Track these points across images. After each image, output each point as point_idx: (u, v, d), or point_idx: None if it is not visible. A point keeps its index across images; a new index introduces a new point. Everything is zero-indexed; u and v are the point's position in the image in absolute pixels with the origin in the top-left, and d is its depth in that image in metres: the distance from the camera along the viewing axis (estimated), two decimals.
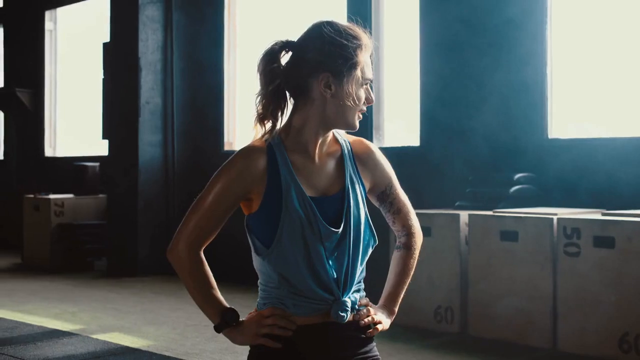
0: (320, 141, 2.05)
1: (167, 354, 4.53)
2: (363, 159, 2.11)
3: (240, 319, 2.03)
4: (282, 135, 2.05)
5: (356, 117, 2.04)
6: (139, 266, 7.78)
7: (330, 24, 2.02)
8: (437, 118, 6.32)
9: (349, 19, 6.77)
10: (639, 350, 4.26)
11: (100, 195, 8.65)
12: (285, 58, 2.04)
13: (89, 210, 8.62)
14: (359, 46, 2.00)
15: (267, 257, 1.99)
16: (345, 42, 1.99)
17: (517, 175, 5.52)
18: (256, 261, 2.05)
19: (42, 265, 8.34)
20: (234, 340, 2.03)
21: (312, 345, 2.00)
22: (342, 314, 2.00)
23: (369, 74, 2.03)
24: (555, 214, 4.71)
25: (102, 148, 8.72)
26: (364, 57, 2.01)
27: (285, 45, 2.03)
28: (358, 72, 2.00)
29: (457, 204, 5.55)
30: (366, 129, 6.54)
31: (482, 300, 4.94)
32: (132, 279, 7.58)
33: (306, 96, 2.02)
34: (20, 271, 8.29)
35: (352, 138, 2.14)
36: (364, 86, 2.02)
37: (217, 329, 2.03)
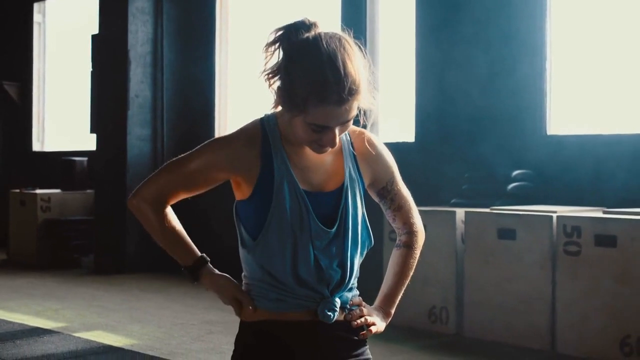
0: None
1: (151, 353, 4.37)
2: (363, 153, 1.97)
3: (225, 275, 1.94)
4: (279, 120, 1.91)
5: (308, 145, 1.82)
6: (126, 263, 7.62)
7: (324, 55, 1.74)
8: (433, 114, 6.18)
9: (344, 15, 6.50)
10: None
11: (88, 191, 8.47)
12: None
13: (76, 205, 8.44)
14: (322, 98, 1.73)
15: (252, 250, 1.87)
16: (309, 84, 1.73)
17: (515, 172, 5.38)
18: (241, 253, 1.92)
19: (28, 262, 8.17)
20: (210, 285, 1.93)
21: (301, 342, 1.88)
22: (329, 313, 1.87)
23: (323, 122, 1.76)
24: (555, 212, 4.56)
25: (91, 143, 8.55)
26: (320, 110, 1.74)
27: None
28: (301, 117, 1.77)
29: (453, 201, 5.40)
30: (358, 125, 6.37)
31: (479, 301, 4.79)
32: (120, 276, 7.41)
33: None
34: (5, 267, 8.12)
35: (352, 129, 1.97)
36: (312, 130, 1.78)
37: (194, 267, 1.92)
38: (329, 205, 1.88)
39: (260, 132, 1.89)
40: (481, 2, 5.88)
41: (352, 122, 1.83)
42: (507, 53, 5.73)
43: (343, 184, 1.90)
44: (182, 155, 1.93)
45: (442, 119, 6.10)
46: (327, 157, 1.92)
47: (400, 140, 6.47)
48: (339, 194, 1.90)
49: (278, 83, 1.84)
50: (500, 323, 4.68)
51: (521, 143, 5.59)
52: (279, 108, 1.90)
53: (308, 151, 1.89)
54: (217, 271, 1.94)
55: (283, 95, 1.80)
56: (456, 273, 4.93)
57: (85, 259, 8.21)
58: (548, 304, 4.49)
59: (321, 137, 1.80)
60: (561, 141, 5.49)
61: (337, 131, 1.80)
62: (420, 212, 5.42)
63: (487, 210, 4.89)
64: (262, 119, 1.93)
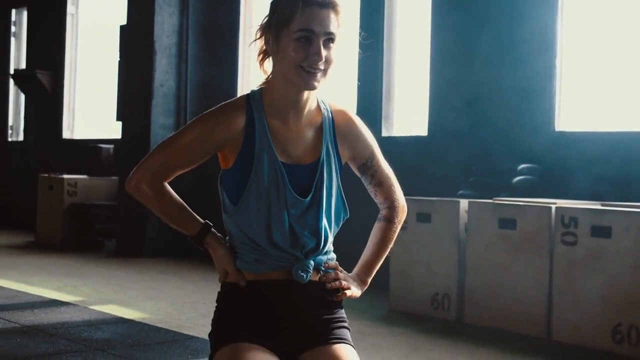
0: (297, 104, 2.02)
1: (160, 325, 4.58)
2: (343, 131, 2.09)
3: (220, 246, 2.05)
4: (263, 92, 2.06)
5: (297, 74, 1.94)
6: (147, 247, 7.85)
7: None
8: (445, 109, 6.31)
9: (362, 15, 6.57)
10: (631, 341, 4.23)
11: (113, 177, 8.73)
12: None
13: (101, 191, 8.70)
14: (298, 3, 1.91)
15: (233, 215, 2.02)
16: None
17: (521, 166, 5.50)
18: (224, 218, 2.07)
19: (54, 244, 8.44)
20: (211, 252, 2.06)
21: (278, 298, 2.01)
22: (302, 274, 2.00)
23: (307, 25, 1.90)
24: (554, 203, 4.69)
25: (118, 131, 8.79)
26: (305, 12, 1.91)
27: None
28: (289, 27, 1.92)
29: (459, 192, 5.54)
30: (374, 118, 6.51)
31: (479, 288, 4.93)
32: (140, 259, 7.65)
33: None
34: (31, 248, 8.40)
35: (335, 108, 2.10)
36: (299, 41, 1.92)
37: (200, 235, 2.04)
38: (305, 177, 2.01)
39: (245, 105, 2.03)
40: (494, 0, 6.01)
41: (334, 46, 1.94)
42: (517, 49, 5.84)
43: (319, 158, 2.03)
44: (172, 133, 2.06)
45: (453, 114, 6.23)
46: (308, 131, 2.04)
47: (414, 134, 6.61)
48: (315, 166, 2.03)
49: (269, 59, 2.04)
50: (499, 310, 4.81)
51: (529, 138, 5.71)
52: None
53: (289, 125, 2.03)
54: (221, 238, 2.06)
55: (272, 23, 1.97)
56: (459, 261, 5.08)
57: (108, 242, 8.49)
58: (545, 293, 4.62)
59: (308, 52, 1.91)
60: (568, 137, 5.59)
61: (321, 45, 1.92)
62: (426, 201, 5.53)
63: (489, 200, 5.03)
64: (247, 94, 2.07)
